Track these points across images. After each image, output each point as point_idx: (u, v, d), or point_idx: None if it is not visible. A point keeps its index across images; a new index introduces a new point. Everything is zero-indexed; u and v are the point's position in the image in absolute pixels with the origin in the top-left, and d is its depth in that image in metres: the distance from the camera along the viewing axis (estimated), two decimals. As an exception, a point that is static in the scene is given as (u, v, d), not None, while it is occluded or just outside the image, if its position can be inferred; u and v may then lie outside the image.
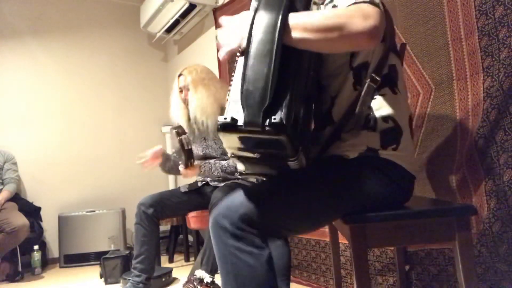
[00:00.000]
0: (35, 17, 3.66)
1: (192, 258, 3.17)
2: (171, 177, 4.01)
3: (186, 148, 1.99)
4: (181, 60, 3.88)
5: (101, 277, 2.63)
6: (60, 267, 3.27)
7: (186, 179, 2.30)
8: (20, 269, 2.92)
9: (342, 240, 1.78)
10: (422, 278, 1.55)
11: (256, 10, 0.88)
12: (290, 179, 0.99)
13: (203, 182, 2.25)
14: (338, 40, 0.85)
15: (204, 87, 2.15)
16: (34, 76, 3.62)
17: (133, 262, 2.09)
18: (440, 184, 1.49)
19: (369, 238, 0.97)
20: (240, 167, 1.03)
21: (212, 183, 2.18)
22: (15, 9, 3.57)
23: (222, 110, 2.12)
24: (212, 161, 2.16)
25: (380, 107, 1.02)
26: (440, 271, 1.49)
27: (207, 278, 1.90)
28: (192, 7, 3.15)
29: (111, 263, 2.56)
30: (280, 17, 0.84)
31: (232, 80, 0.90)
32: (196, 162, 2.08)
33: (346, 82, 1.05)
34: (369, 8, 0.86)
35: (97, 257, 3.06)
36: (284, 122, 0.80)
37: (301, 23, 0.86)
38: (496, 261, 1.30)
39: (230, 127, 0.83)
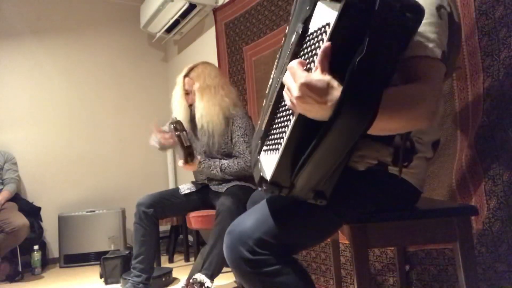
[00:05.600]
0: (35, 17, 3.66)
1: (192, 258, 3.17)
2: (171, 177, 4.01)
3: (185, 145, 1.89)
4: (181, 60, 3.88)
5: (101, 277, 2.63)
6: (60, 267, 3.27)
7: (186, 179, 2.28)
8: (20, 269, 2.91)
9: (342, 240, 1.79)
10: (422, 278, 1.55)
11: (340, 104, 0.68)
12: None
13: (203, 184, 2.25)
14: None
15: (211, 96, 2.13)
16: (34, 76, 3.62)
17: (133, 262, 2.09)
18: (440, 184, 1.49)
19: (369, 238, 0.97)
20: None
21: (213, 188, 2.18)
22: (15, 9, 3.57)
23: (225, 119, 2.12)
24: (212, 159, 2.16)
25: None
26: (440, 271, 1.49)
27: (208, 283, 1.85)
28: (192, 7, 3.14)
29: (111, 263, 2.56)
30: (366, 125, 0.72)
31: (273, 120, 0.85)
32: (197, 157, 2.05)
33: None
34: (437, 76, 0.83)
35: (97, 257, 3.06)
36: (326, 202, 0.81)
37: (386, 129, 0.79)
38: (496, 261, 1.30)
39: (274, 190, 0.80)
